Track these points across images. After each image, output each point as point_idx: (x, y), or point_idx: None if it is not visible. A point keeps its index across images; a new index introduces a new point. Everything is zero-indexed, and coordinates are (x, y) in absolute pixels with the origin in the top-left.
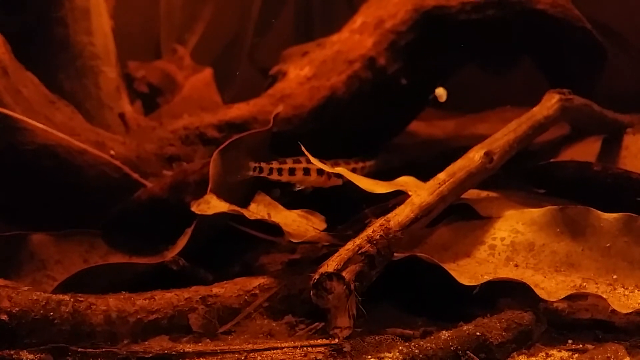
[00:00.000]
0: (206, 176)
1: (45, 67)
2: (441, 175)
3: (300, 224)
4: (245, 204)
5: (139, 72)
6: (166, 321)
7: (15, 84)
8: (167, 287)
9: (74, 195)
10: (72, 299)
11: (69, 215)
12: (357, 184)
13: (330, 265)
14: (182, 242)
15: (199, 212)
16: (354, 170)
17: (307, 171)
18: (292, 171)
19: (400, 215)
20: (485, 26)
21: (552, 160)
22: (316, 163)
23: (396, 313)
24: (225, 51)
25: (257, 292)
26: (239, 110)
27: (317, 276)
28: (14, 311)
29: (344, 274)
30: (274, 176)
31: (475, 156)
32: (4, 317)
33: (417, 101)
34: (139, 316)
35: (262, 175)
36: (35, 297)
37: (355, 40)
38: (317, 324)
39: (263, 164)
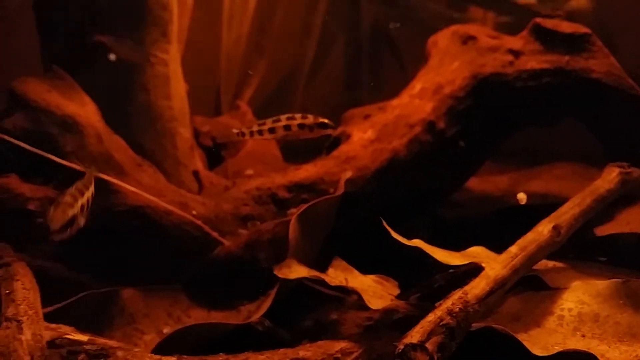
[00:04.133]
0: (278, 235)
1: (129, 130)
2: (513, 249)
3: (375, 289)
4: (316, 265)
5: (205, 127)
6: None
7: (108, 149)
8: (245, 345)
9: (159, 253)
10: None
11: (155, 272)
12: (433, 255)
13: (414, 336)
14: (266, 304)
15: (282, 276)
16: None
17: (287, 127)
18: (272, 130)
19: (477, 288)
20: (541, 93)
21: (606, 224)
22: (397, 237)
23: None
24: (277, 104)
25: (339, 355)
26: (307, 172)
27: (401, 346)
28: None
29: (427, 345)
30: (256, 137)
31: (544, 230)
32: None
33: (473, 161)
34: None
35: (244, 138)
36: (147, 359)
37: (415, 104)
38: None
39: (244, 129)
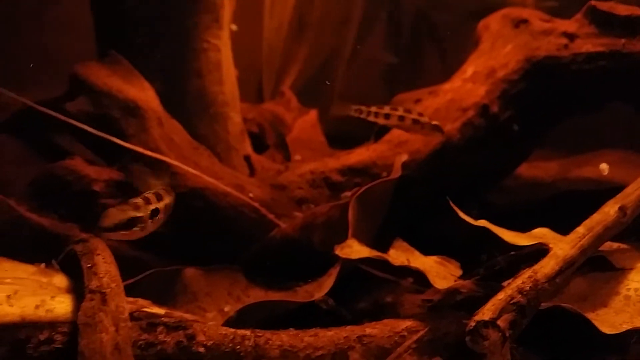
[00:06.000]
0: (332, 218)
1: (184, 115)
2: (580, 229)
3: (438, 270)
4: (373, 247)
5: (250, 114)
6: (330, 357)
7: (168, 133)
8: (305, 323)
9: (218, 233)
10: (253, 334)
11: (214, 252)
12: (500, 235)
13: (486, 313)
14: (329, 283)
15: (344, 256)
16: None
17: (402, 118)
18: (387, 116)
19: (546, 267)
20: (595, 76)
21: None
22: (464, 217)
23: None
24: (318, 90)
25: (406, 333)
26: (359, 156)
27: (473, 323)
28: (208, 344)
29: (499, 322)
30: (371, 117)
31: (610, 210)
32: (201, 349)
33: (526, 146)
34: (307, 352)
35: (361, 116)
36: (223, 332)
37: (467, 88)
38: None
39: (363, 107)
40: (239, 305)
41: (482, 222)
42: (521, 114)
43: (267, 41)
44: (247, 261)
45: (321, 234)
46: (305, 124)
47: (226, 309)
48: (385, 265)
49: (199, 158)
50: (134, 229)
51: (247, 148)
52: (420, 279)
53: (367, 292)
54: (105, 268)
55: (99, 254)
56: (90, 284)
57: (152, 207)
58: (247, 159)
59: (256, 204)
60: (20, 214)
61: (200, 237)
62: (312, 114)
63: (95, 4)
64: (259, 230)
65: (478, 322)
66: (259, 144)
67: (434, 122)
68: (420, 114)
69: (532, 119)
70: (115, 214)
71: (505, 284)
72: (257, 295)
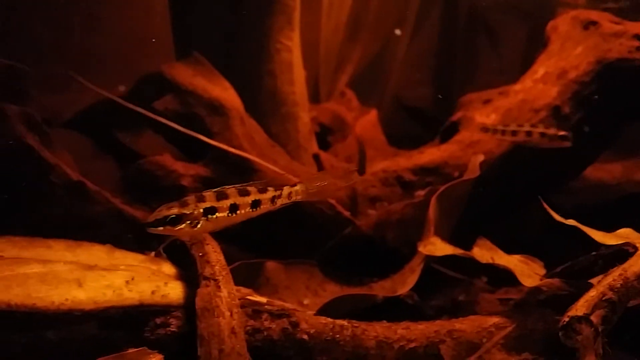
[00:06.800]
0: (406, 216)
1: (258, 115)
2: None
3: (523, 268)
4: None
5: (312, 113)
6: (422, 350)
7: (249, 131)
8: (386, 317)
9: (296, 229)
10: (350, 324)
11: (292, 246)
12: (589, 234)
13: (579, 309)
14: (413, 278)
15: (427, 253)
16: None
17: (529, 134)
18: (514, 133)
19: (635, 266)
20: None
21: None
22: (555, 215)
23: (621, 353)
24: (371, 91)
25: (493, 329)
26: (431, 155)
27: (567, 319)
28: (311, 332)
29: (592, 317)
30: (498, 135)
31: None
32: (305, 336)
33: (595, 148)
34: (401, 343)
35: (486, 133)
36: (323, 322)
37: (539, 89)
38: None
39: (489, 125)
40: (317, 299)
41: (572, 222)
42: (592, 116)
43: (324, 41)
44: (322, 256)
45: (395, 231)
46: (366, 124)
47: (305, 302)
48: (456, 264)
49: (277, 156)
50: (181, 225)
51: (315, 147)
52: (491, 279)
53: (440, 290)
54: (216, 257)
55: (208, 244)
56: (204, 271)
57: (206, 205)
58: (316, 157)
59: (332, 201)
60: (116, 205)
61: (280, 231)
62: (373, 114)
63: (174, 5)
64: (334, 227)
65: (572, 317)
66: (321, 143)
67: (560, 133)
68: (547, 127)
69: (602, 121)
70: (161, 211)
71: (595, 281)
72: (333, 290)
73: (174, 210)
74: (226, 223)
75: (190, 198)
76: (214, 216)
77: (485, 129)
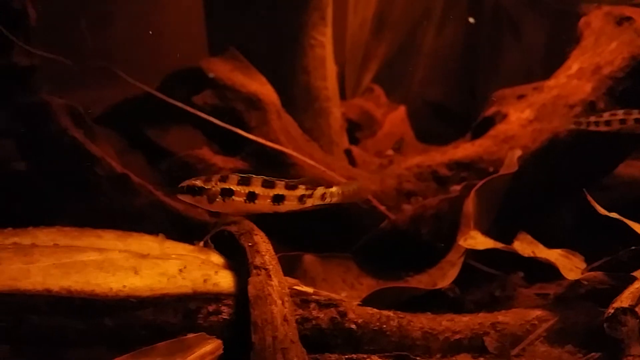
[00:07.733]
0: (441, 211)
1: (292, 110)
2: None
3: (564, 262)
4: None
5: (340, 109)
6: (467, 341)
7: (286, 126)
8: (423, 310)
9: (332, 222)
10: (396, 315)
11: (328, 240)
12: (633, 228)
13: (624, 301)
14: (454, 272)
15: (468, 247)
16: None
17: (623, 121)
18: (608, 123)
19: None
20: None
21: None
22: (599, 209)
23: None
24: (396, 86)
25: (536, 322)
26: (465, 150)
27: (612, 310)
28: (359, 322)
29: (637, 309)
30: (592, 127)
31: None
32: (353, 326)
33: (629, 144)
34: (446, 335)
35: (580, 127)
36: (370, 312)
37: (573, 85)
38: (593, 354)
39: (582, 119)
40: (353, 292)
41: (614, 215)
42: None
43: (350, 38)
44: (358, 250)
45: (430, 226)
46: (395, 120)
47: (343, 294)
48: (491, 259)
49: (312, 150)
50: (199, 196)
51: (346, 142)
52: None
53: (477, 285)
54: (265, 247)
55: (256, 234)
56: (254, 260)
57: (224, 186)
58: (348, 152)
59: (369, 196)
60: (159, 198)
61: (316, 225)
62: (401, 110)
63: (208, 2)
64: (370, 221)
65: (617, 309)
66: (349, 139)
67: None
68: None
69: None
70: (188, 181)
71: (638, 274)
72: (369, 283)
73: (197, 183)
74: (244, 209)
75: (216, 176)
76: (231, 198)
77: (578, 123)
